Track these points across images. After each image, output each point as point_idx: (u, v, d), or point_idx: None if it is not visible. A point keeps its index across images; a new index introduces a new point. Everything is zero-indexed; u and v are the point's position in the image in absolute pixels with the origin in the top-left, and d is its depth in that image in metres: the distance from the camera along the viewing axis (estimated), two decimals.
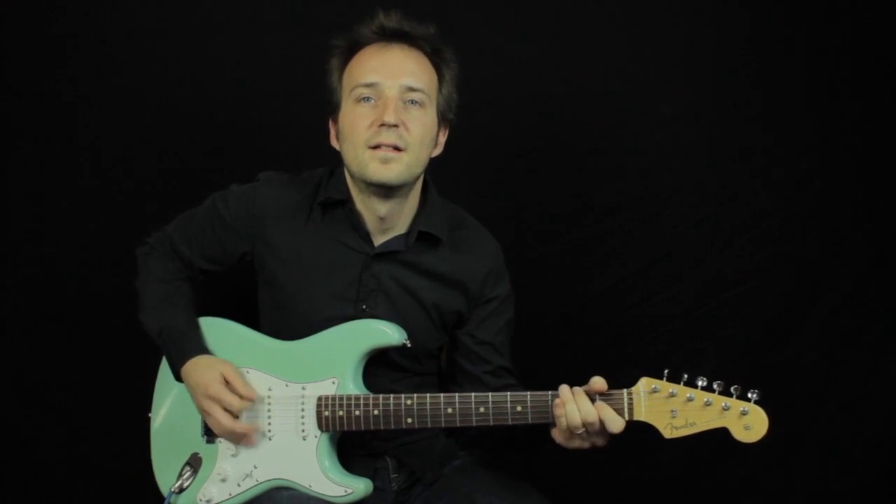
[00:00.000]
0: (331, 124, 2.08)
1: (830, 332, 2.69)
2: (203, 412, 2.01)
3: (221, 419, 1.97)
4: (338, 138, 2.05)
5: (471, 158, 2.61)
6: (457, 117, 2.12)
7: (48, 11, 2.68)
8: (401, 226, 2.07)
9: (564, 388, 1.85)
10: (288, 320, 2.08)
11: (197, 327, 2.11)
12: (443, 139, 2.10)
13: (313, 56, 2.22)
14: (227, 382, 1.99)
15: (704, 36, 2.69)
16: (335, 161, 2.14)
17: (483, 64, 2.58)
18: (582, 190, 2.72)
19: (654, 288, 2.72)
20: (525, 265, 2.60)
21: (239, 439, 2.01)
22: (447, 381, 2.18)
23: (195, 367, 2.03)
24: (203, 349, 2.06)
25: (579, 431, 1.82)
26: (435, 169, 2.16)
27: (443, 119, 2.07)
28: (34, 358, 2.75)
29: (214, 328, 2.13)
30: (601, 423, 1.81)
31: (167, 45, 2.69)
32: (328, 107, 2.08)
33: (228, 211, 2.12)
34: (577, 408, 1.81)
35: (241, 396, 1.98)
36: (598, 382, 1.83)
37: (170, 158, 2.73)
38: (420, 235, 2.06)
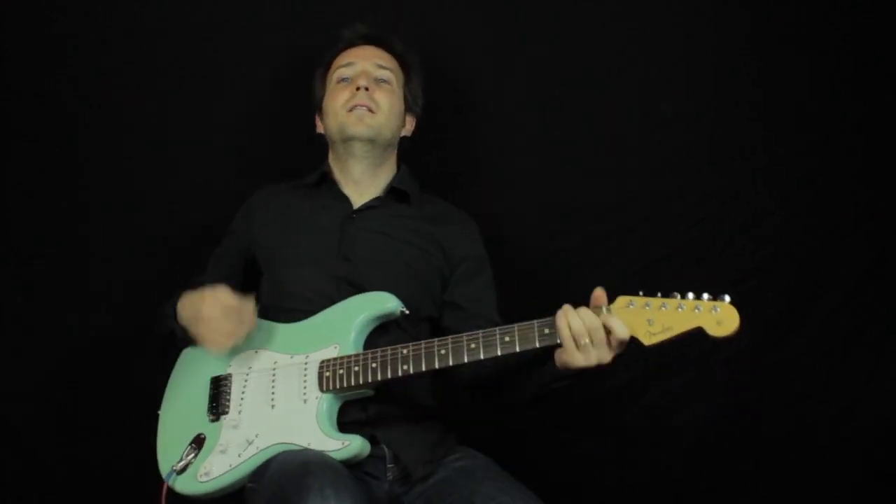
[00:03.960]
0: (317, 117, 2.42)
1: (831, 332, 2.68)
2: (203, 328, 2.08)
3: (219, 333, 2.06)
4: (322, 121, 2.38)
5: (471, 158, 2.61)
6: (423, 113, 2.41)
7: (48, 11, 2.69)
8: (375, 190, 2.32)
9: (567, 306, 1.92)
10: (284, 299, 2.20)
11: None
12: (410, 126, 2.41)
13: (314, 56, 2.23)
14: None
15: (704, 36, 2.69)
16: None
17: (483, 64, 2.59)
18: (582, 189, 2.71)
19: (654, 287, 2.70)
20: (525, 265, 2.60)
21: (241, 328, 2.07)
22: None
23: (187, 296, 2.14)
24: None
25: (584, 341, 1.86)
26: (435, 168, 2.17)
27: (409, 108, 2.40)
28: (34, 358, 2.75)
29: None
30: (606, 330, 1.86)
31: (167, 45, 2.70)
32: (315, 104, 2.42)
33: (236, 223, 2.39)
34: (581, 318, 1.88)
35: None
36: (596, 297, 1.92)
37: (170, 158, 2.73)
38: (392, 191, 2.31)
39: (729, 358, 2.70)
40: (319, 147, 2.41)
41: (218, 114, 2.72)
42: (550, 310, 2.69)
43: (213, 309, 2.06)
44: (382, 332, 2.14)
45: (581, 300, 2.72)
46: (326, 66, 2.41)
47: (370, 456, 2.08)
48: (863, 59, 2.65)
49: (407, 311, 2.10)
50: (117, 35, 2.69)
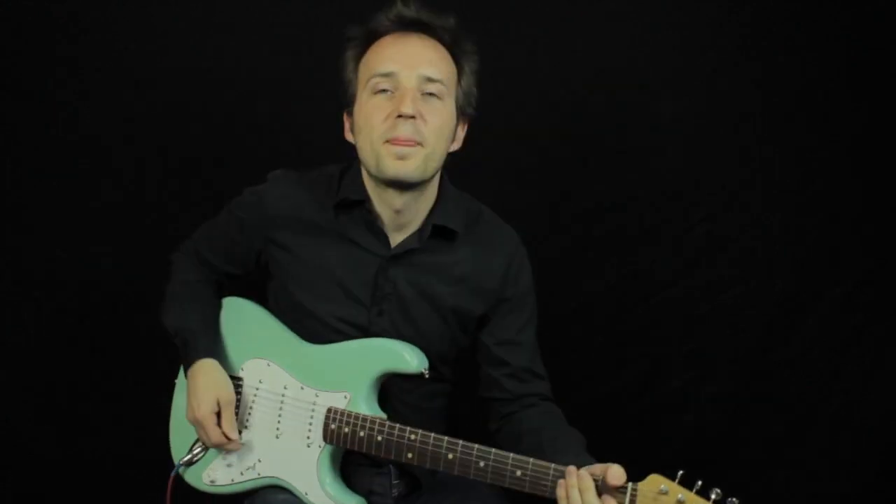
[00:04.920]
0: (345, 118, 2.00)
1: (830, 333, 2.69)
2: (191, 422, 2.00)
3: (210, 434, 1.97)
4: (353, 131, 1.96)
5: (470, 159, 2.60)
6: (477, 111, 2.02)
7: (48, 12, 2.68)
8: (416, 222, 1.99)
9: (571, 469, 1.73)
10: (303, 321, 2.03)
11: (210, 329, 2.05)
12: (461, 134, 2.01)
13: (317, 55, 2.23)
14: (217, 413, 1.96)
15: (704, 35, 2.69)
16: (344, 160, 2.10)
17: (482, 65, 2.58)
18: (581, 191, 2.72)
19: (653, 288, 2.71)
20: None
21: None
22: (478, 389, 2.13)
23: (202, 371, 1.98)
24: (211, 352, 2.01)
25: None
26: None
27: (462, 113, 1.98)
28: (34, 358, 2.75)
29: (244, 310, 2.11)
30: None
31: (168, 44, 2.69)
32: (343, 100, 1.99)
33: (242, 214, 2.06)
34: (580, 496, 1.70)
35: (222, 432, 1.96)
36: (614, 476, 1.69)
37: (171, 157, 2.73)
38: (435, 230, 1.98)
39: (729, 358, 2.71)
40: (330, 147, 2.19)
41: (221, 114, 2.72)
42: (548, 313, 2.68)
43: (207, 409, 1.95)
44: None
45: (580, 302, 2.76)
46: (359, 52, 1.95)
47: (376, 475, 2.06)
48: (862, 59, 2.65)
49: (427, 375, 1.94)
50: (118, 35, 2.69)
